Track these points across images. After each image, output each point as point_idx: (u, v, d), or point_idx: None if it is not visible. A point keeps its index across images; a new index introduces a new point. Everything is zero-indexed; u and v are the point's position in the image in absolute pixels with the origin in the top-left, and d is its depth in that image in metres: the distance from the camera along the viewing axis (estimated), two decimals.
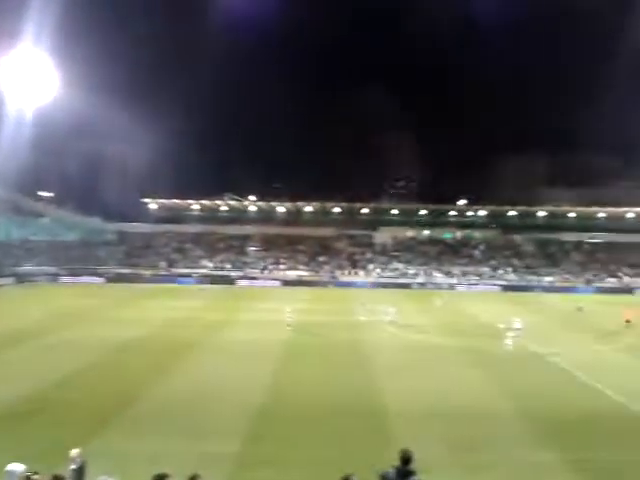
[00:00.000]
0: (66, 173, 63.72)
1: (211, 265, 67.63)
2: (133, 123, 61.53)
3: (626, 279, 65.87)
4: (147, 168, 66.93)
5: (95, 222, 70.95)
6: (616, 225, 73.78)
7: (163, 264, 66.38)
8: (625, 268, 68.46)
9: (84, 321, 32.97)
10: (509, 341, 26.18)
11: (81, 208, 70.95)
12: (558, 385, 20.20)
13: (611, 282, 64.99)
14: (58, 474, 8.01)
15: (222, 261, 68.89)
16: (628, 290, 62.04)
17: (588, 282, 64.69)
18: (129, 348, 25.36)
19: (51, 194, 72.14)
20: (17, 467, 8.11)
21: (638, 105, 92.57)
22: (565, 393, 19.16)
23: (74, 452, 9.91)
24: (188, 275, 63.27)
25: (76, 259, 63.30)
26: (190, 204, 72.18)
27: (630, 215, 71.85)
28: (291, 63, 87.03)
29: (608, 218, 73.10)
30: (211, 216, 75.18)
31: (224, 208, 74.43)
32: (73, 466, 9.59)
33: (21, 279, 57.13)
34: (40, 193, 72.42)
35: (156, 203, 74.15)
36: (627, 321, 34.54)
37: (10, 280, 55.59)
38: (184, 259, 68.41)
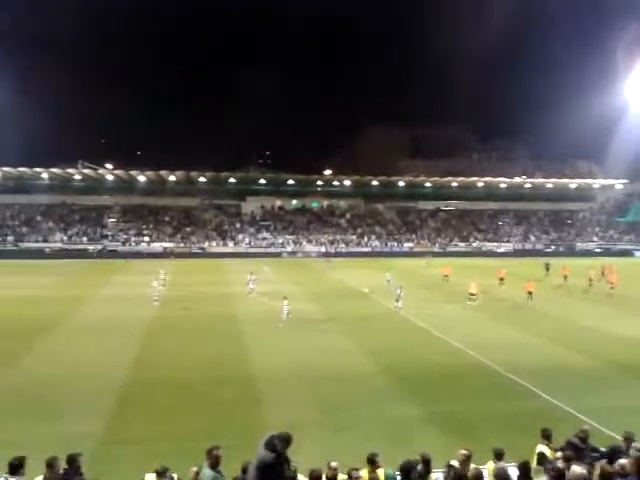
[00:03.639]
0: None
1: (65, 238, 67.72)
2: None
3: (476, 243, 78.03)
4: None
5: None
6: (467, 194, 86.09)
7: (10, 238, 65.30)
8: (475, 233, 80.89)
9: None
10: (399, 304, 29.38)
11: None
12: (417, 342, 22.74)
13: (462, 246, 76.66)
14: None
15: (78, 234, 69.22)
16: (482, 253, 73.68)
17: (442, 247, 75.71)
18: None
19: None
20: None
21: (491, 81, 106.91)
22: (424, 349, 21.63)
23: None
24: (40, 250, 63.16)
25: None
26: (39, 172, 70.71)
27: (480, 184, 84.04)
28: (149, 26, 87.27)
29: (460, 187, 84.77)
30: (64, 186, 73.82)
31: (78, 177, 73.86)
32: None
33: None
34: None
35: None
36: (445, 275, 42.56)
37: None
38: (34, 232, 67.63)
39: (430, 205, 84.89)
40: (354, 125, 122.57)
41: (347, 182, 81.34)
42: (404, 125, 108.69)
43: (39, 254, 61.16)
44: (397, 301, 30.09)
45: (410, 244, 75.48)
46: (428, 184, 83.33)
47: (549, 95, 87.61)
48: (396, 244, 75.36)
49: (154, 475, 7.42)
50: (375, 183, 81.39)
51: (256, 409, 14.74)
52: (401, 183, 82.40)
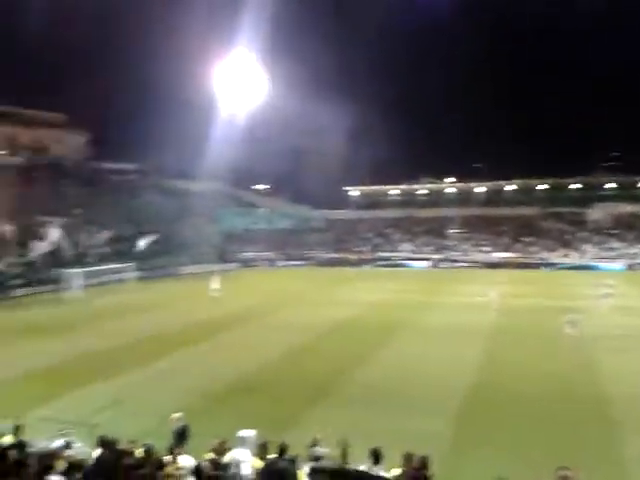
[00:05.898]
0: (279, 168, 75.65)
1: (411, 249, 74.24)
2: (334, 116, 70.37)
3: None
4: (347, 158, 75.71)
5: (304, 210, 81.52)
6: None
7: (367, 248, 75.02)
8: None
9: (299, 302, 38.01)
10: None
11: (292, 198, 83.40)
12: None
13: None
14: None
15: (422, 244, 75.07)
16: None
17: None
18: (340, 328, 28.45)
19: (268, 187, 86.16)
20: (248, 433, 9.06)
21: None
22: None
23: (175, 416, 11.36)
24: (388, 258, 70.80)
25: (289, 245, 75.32)
26: (388, 189, 79.87)
27: None
28: (487, 35, 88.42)
29: None
30: (409, 200, 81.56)
31: (421, 192, 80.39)
32: (174, 428, 11.07)
33: (245, 264, 69.57)
34: (256, 186, 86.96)
35: (357, 190, 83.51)
36: None
37: (235, 265, 67.94)
38: (386, 243, 76.25)
39: None
40: None
41: None
42: None
43: (391, 263, 68.69)
44: None
45: None
46: None
47: None
48: None
49: None
50: None
51: (613, 432, 14.07)
52: None
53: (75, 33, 66.00)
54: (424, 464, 8.07)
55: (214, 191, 77.61)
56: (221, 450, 8.94)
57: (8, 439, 9.34)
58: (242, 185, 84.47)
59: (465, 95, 79.92)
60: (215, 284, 39.86)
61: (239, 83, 61.04)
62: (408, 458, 8.14)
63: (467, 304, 36.15)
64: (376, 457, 8.04)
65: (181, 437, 10.89)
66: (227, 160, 67.27)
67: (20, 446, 8.86)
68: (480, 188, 75.83)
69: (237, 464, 8.24)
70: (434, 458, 8.35)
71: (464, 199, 79.75)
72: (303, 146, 78.06)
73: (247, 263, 69.77)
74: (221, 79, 60.10)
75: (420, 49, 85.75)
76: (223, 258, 67.63)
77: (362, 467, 8.03)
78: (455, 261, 69.21)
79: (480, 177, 77.72)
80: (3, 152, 65.87)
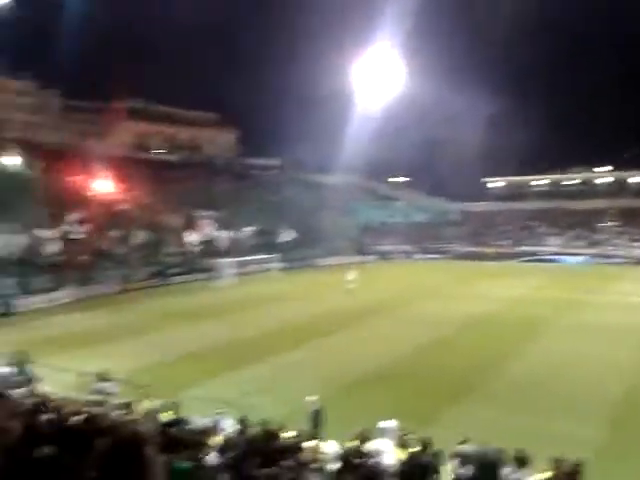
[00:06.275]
0: (415, 160, 74.70)
1: (559, 243, 69.21)
2: (472, 106, 67.59)
3: None
4: (486, 149, 72.48)
5: (441, 203, 79.71)
6: None
7: (508, 242, 71.37)
8: None
9: (435, 296, 37.24)
10: None
11: (429, 191, 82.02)
12: None
13: None
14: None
15: (571, 239, 69.66)
16: None
17: None
18: (478, 323, 27.57)
19: (404, 179, 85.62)
20: (389, 424, 9.41)
21: None
22: None
23: (310, 399, 12.09)
24: (533, 252, 66.61)
25: (426, 238, 73.93)
26: (531, 180, 75.49)
27: None
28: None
29: None
30: (555, 191, 76.37)
31: (569, 182, 74.83)
32: (310, 411, 11.78)
33: (382, 256, 69.55)
34: (393, 179, 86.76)
35: (496, 182, 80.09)
36: None
37: (373, 257, 68.17)
38: (529, 237, 71.95)
39: None
40: None
41: None
42: None
43: (535, 258, 64.75)
44: None
45: None
46: None
47: None
48: None
49: None
50: None
51: None
52: None
53: (219, 36, 70.27)
54: (576, 470, 7.61)
55: (350, 184, 78.68)
56: (363, 439, 9.13)
57: (168, 416, 10.18)
58: (379, 178, 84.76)
59: (621, 76, 73.03)
60: (352, 276, 40.44)
61: (377, 76, 60.79)
62: (558, 463, 7.71)
63: (623, 302, 33.43)
64: (522, 461, 7.83)
65: (315, 420, 11.52)
66: (364, 153, 67.71)
67: (179, 423, 9.80)
68: (634, 178, 68.73)
69: (379, 454, 8.38)
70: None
71: (620, 189, 72.82)
72: (440, 137, 76.23)
73: (384, 256, 69.83)
74: (359, 73, 60.31)
75: (572, 32, 79.77)
76: (360, 250, 68.41)
77: (505, 470, 7.83)
78: (609, 256, 63.52)
79: (638, 165, 70.43)
80: (163, 150, 72.34)
